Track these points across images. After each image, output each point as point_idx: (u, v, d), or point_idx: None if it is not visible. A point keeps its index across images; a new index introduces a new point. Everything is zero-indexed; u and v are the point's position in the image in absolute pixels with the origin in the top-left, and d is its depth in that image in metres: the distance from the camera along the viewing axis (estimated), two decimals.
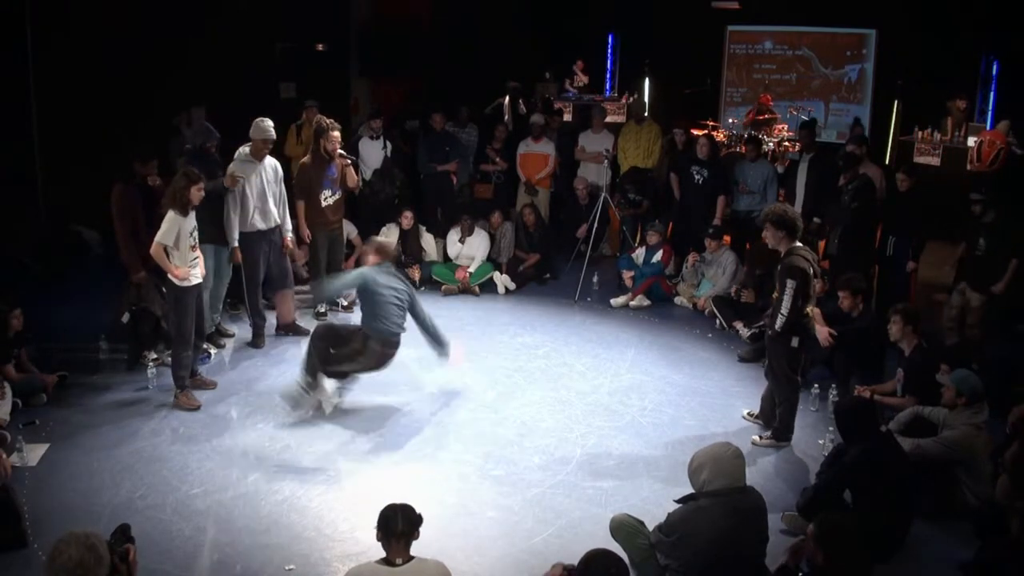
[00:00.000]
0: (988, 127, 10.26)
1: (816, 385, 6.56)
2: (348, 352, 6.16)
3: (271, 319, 7.67)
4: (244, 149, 7.11)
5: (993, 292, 7.07)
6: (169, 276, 6.02)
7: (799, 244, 5.69)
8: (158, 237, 5.94)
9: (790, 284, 5.55)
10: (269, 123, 7.07)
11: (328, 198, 7.71)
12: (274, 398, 6.41)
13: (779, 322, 5.64)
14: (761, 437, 5.98)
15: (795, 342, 5.70)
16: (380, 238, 7.13)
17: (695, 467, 4.07)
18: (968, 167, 8.92)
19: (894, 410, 5.89)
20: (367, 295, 6.20)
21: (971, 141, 9.21)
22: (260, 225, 7.15)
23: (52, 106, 9.12)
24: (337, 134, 7.58)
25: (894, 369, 6.30)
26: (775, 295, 5.78)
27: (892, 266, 7.99)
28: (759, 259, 7.93)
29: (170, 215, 5.95)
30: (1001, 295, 7.09)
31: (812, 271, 5.69)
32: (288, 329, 7.65)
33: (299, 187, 7.61)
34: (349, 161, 7.78)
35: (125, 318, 6.80)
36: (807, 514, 4.82)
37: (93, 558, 2.80)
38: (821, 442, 5.86)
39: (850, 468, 4.71)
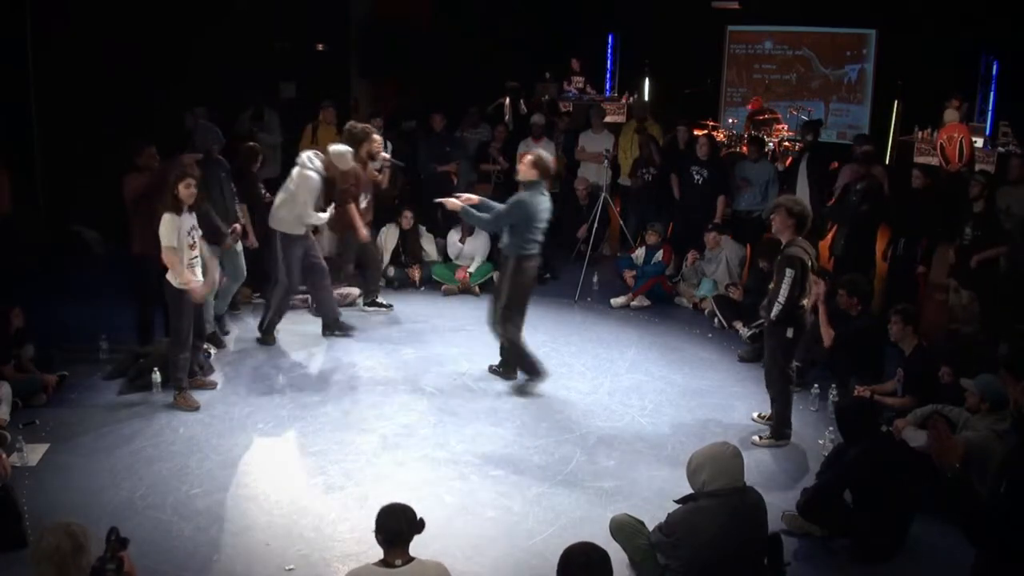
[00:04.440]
0: (988, 127, 10.24)
1: (816, 385, 6.56)
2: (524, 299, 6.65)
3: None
4: (317, 163, 7.14)
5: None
6: (169, 277, 6.01)
7: (800, 237, 5.73)
8: (163, 242, 5.92)
9: (788, 273, 5.58)
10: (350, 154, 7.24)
11: (363, 200, 7.91)
12: (274, 398, 6.42)
13: (776, 310, 5.66)
14: (761, 437, 5.98)
15: (790, 332, 5.73)
16: (540, 149, 6.97)
17: (694, 467, 4.07)
18: (944, 170, 8.86)
19: (894, 410, 5.89)
20: (523, 223, 6.40)
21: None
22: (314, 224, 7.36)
23: (52, 106, 9.12)
24: (379, 138, 7.81)
25: (894, 369, 6.30)
26: (772, 286, 5.80)
27: (901, 266, 8.00)
28: (764, 256, 7.93)
29: (166, 217, 5.91)
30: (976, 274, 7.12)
31: (810, 264, 5.72)
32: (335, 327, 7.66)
33: (352, 189, 7.67)
34: (389, 164, 8.06)
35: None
36: (807, 514, 4.83)
37: (71, 545, 2.86)
38: (821, 442, 5.86)
39: (850, 468, 4.71)
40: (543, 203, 6.45)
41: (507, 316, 6.62)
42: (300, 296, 8.17)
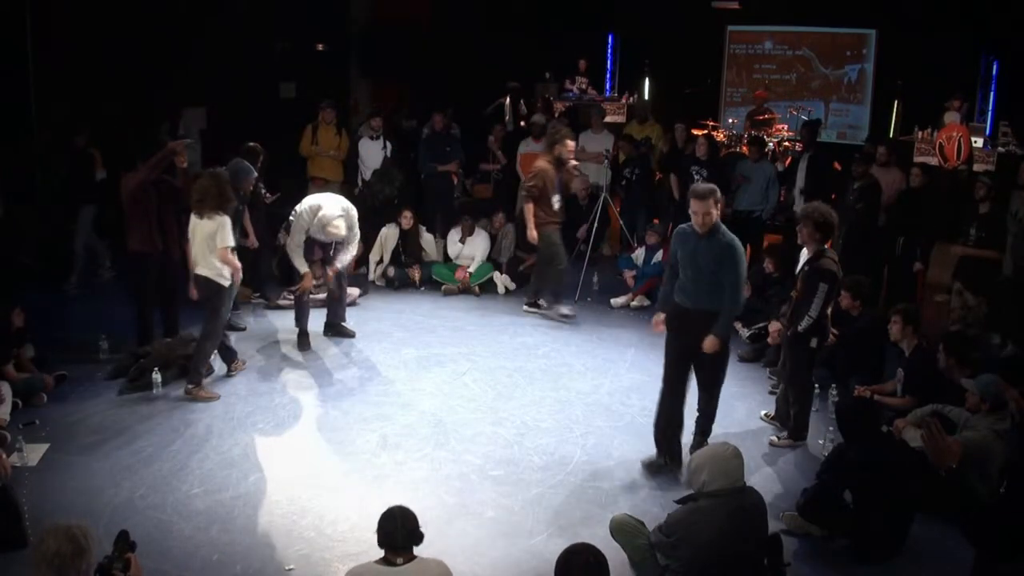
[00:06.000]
0: (988, 127, 10.25)
1: (816, 385, 6.54)
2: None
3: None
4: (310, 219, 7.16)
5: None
6: (212, 275, 6.21)
7: (827, 247, 5.72)
8: (228, 243, 6.19)
9: (822, 287, 5.55)
10: (337, 226, 7.09)
11: (557, 201, 8.04)
12: (274, 398, 6.42)
13: (805, 323, 5.62)
14: (779, 438, 5.99)
15: (814, 343, 5.72)
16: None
17: (694, 467, 4.08)
18: (942, 167, 8.87)
19: (894, 410, 5.89)
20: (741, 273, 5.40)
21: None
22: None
23: (52, 106, 9.12)
24: (572, 143, 8.00)
25: (894, 369, 6.30)
26: (795, 294, 5.79)
27: (900, 266, 8.00)
28: (773, 259, 7.96)
29: (221, 218, 6.18)
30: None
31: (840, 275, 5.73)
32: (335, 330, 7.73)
33: (534, 189, 7.88)
34: (577, 171, 8.23)
35: None
36: (807, 514, 4.84)
37: (72, 549, 2.85)
38: (821, 442, 5.87)
39: (851, 468, 4.71)
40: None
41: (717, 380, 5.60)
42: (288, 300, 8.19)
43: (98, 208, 8.57)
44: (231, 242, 6.24)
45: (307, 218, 7.10)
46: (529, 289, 8.52)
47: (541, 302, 8.37)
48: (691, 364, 5.51)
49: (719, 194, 5.33)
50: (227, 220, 6.25)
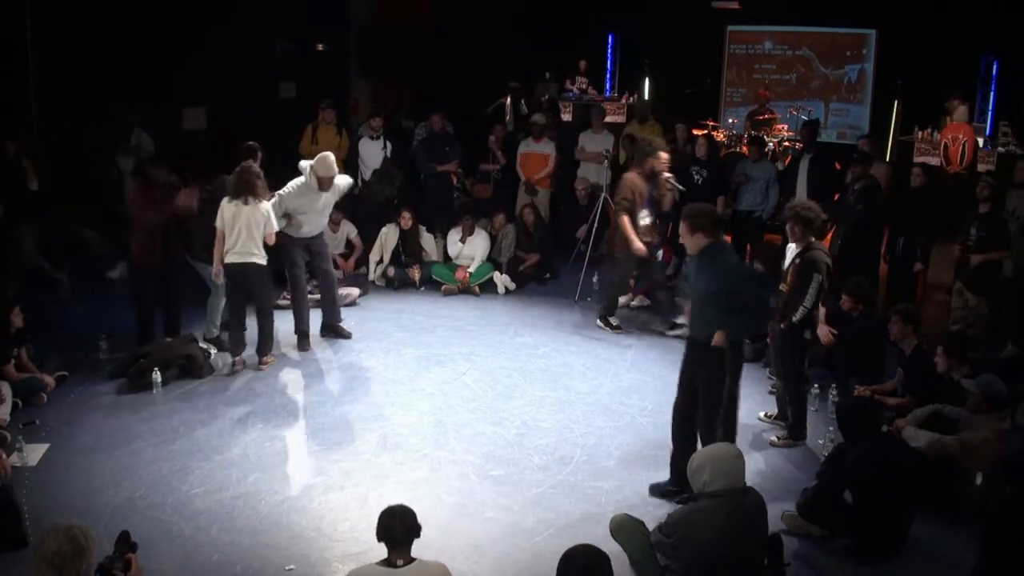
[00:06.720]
0: (988, 127, 10.23)
1: (816, 385, 6.55)
2: None
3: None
4: (302, 181, 7.05)
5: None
6: (252, 260, 6.59)
7: (814, 239, 5.75)
8: (275, 228, 6.68)
9: (816, 278, 5.60)
10: (332, 158, 7.08)
11: (645, 217, 7.70)
12: (274, 398, 6.42)
13: (799, 314, 5.65)
14: (779, 438, 5.99)
15: (807, 334, 5.76)
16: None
17: (695, 468, 4.07)
18: (946, 170, 8.85)
19: (894, 410, 5.89)
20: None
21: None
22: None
23: (52, 106, 9.12)
24: (666, 156, 7.66)
25: (894, 369, 6.30)
26: (785, 288, 5.80)
27: (901, 266, 8.00)
28: (762, 258, 7.95)
29: (266, 204, 6.64)
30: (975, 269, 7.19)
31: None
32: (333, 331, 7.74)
33: (625, 202, 7.60)
34: (672, 185, 7.85)
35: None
36: (807, 514, 4.84)
37: (72, 549, 2.86)
38: (821, 442, 5.86)
39: (851, 468, 4.71)
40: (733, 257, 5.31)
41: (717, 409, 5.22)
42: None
43: (40, 223, 8.40)
44: (274, 228, 6.72)
45: (307, 179, 6.97)
46: (601, 306, 8.17)
47: (612, 321, 8.02)
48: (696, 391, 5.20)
49: (704, 221, 4.98)
50: (269, 206, 6.68)
